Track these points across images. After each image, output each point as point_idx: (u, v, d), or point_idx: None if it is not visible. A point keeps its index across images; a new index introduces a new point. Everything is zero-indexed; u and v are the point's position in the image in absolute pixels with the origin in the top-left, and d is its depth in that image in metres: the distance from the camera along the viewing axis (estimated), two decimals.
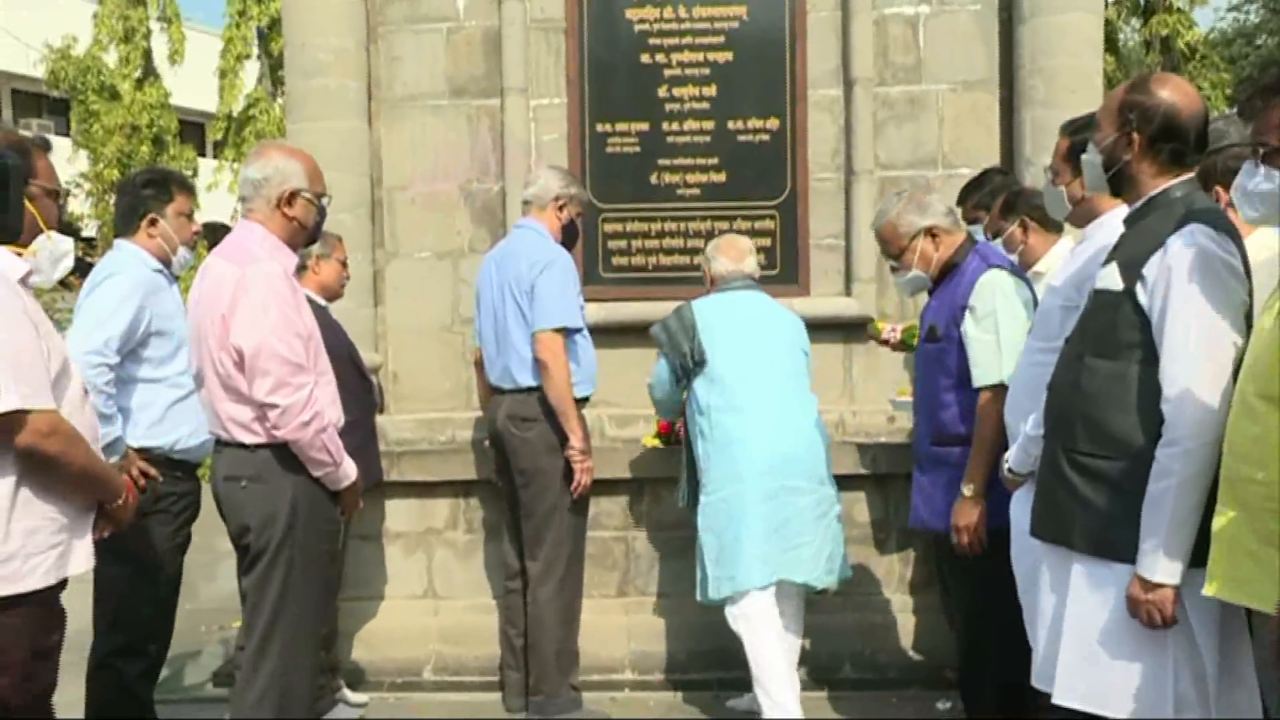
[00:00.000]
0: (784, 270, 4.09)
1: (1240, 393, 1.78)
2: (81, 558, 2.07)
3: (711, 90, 4.12)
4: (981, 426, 2.72)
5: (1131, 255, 2.00)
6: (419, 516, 3.99)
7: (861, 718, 3.50)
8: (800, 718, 3.09)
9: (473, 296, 3.62)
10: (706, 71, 4.12)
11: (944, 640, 3.46)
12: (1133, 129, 2.03)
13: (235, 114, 15.57)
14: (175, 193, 3.04)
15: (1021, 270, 2.98)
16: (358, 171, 4.07)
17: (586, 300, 3.54)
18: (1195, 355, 1.88)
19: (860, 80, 4.04)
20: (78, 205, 14.24)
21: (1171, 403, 1.88)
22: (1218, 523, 1.79)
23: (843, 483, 3.37)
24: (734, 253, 3.35)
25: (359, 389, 3.45)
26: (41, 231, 2.13)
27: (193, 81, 16.58)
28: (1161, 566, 1.88)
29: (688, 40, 4.12)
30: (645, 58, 4.14)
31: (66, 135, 16.43)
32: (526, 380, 3.33)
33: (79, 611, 2.92)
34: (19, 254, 2.05)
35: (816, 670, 3.68)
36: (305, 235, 2.65)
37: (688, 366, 3.20)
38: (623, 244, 4.17)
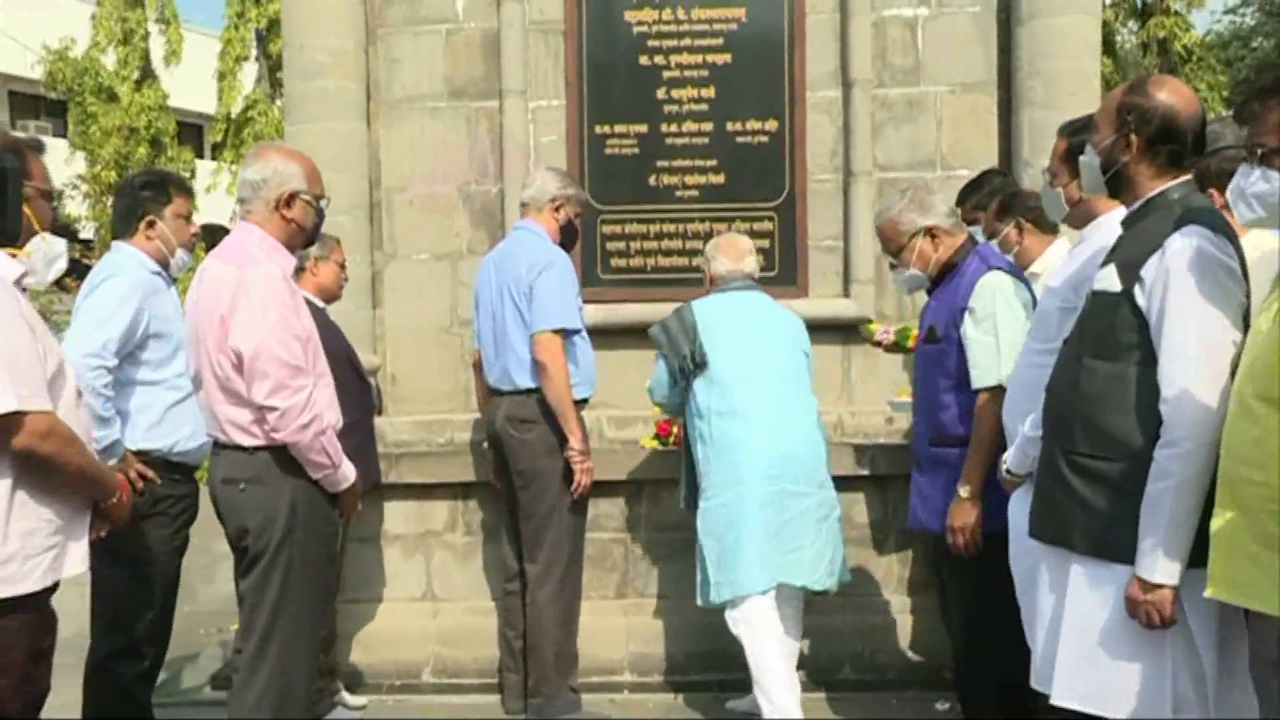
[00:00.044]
0: (782, 271, 4.09)
1: (1239, 394, 1.78)
2: (76, 560, 2.07)
3: (710, 92, 4.13)
4: (979, 428, 2.73)
5: (1129, 257, 2.00)
6: (418, 518, 3.99)
7: (861, 718, 3.50)
8: (801, 719, 3.09)
9: (471, 298, 3.62)
10: (705, 73, 4.12)
11: (943, 641, 3.46)
12: (1131, 131, 2.03)
13: (234, 116, 15.58)
14: (173, 194, 3.03)
15: (1021, 272, 2.98)
16: (356, 173, 4.07)
17: (585, 302, 3.54)
18: (1194, 356, 1.88)
19: (859, 82, 4.05)
20: (75, 207, 14.24)
21: (1170, 404, 1.89)
22: (1216, 524, 1.79)
23: (841, 484, 3.37)
24: (734, 252, 3.34)
25: (357, 391, 3.45)
26: (36, 233, 2.13)
27: (191, 83, 16.60)
28: (1160, 567, 1.88)
29: (686, 42, 4.13)
30: (644, 59, 4.14)
31: (64, 137, 16.44)
32: (525, 382, 3.33)
33: (76, 614, 2.94)
34: (14, 255, 2.05)
35: (816, 671, 3.68)
36: (304, 237, 2.65)
37: (687, 368, 3.18)
38: (621, 245, 4.17)
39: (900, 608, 3.90)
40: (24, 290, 2.05)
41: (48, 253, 2.17)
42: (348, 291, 3.69)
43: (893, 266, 3.08)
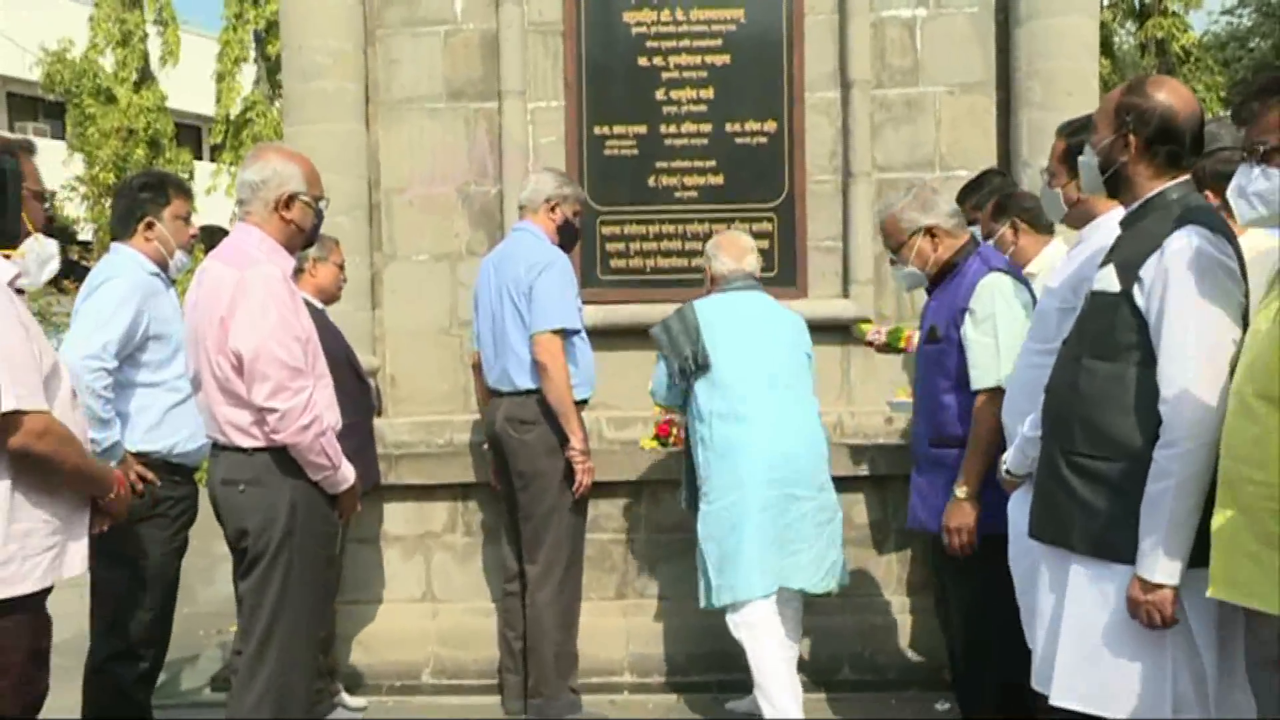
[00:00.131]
0: (782, 272, 4.09)
1: (1238, 393, 1.78)
2: (76, 560, 2.07)
3: (709, 93, 4.13)
4: (977, 429, 2.72)
5: (1128, 257, 2.00)
6: (417, 519, 3.99)
7: (860, 719, 3.50)
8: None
9: (470, 299, 3.62)
10: (704, 74, 4.13)
11: (942, 641, 3.46)
12: (1129, 131, 2.03)
13: (232, 117, 15.57)
14: (172, 196, 3.03)
15: (1021, 273, 2.98)
16: (355, 174, 4.07)
17: (584, 303, 3.54)
18: (1193, 356, 1.88)
19: (858, 83, 4.05)
20: (74, 209, 14.23)
21: (1169, 404, 1.89)
22: (1216, 523, 1.79)
23: (841, 484, 3.37)
24: (735, 250, 3.32)
25: (356, 392, 3.45)
26: (29, 234, 2.13)
27: (189, 85, 16.58)
28: (1161, 567, 1.88)
29: (685, 43, 4.13)
30: (643, 60, 4.14)
31: (62, 139, 16.42)
32: (525, 383, 3.33)
33: (75, 616, 2.93)
34: (8, 257, 2.05)
35: (816, 672, 3.68)
36: (303, 238, 2.65)
37: (688, 369, 3.16)
38: (621, 246, 4.17)
39: (900, 608, 3.90)
40: (21, 293, 2.05)
41: (41, 253, 2.17)
42: (347, 292, 3.69)
43: (892, 262, 3.08)
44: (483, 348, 3.49)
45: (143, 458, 2.85)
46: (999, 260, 2.91)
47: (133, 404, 2.86)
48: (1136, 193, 2.07)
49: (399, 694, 3.80)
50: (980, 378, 2.74)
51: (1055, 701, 2.04)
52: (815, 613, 3.53)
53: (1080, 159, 2.17)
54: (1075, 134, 2.41)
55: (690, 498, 3.34)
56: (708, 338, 3.15)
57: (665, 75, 4.13)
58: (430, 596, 3.99)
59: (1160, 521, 1.88)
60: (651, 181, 4.15)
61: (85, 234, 14.66)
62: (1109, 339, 2.00)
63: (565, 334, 3.30)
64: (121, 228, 3.01)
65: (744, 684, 3.26)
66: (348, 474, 2.59)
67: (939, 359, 2.87)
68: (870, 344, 3.61)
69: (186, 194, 3.11)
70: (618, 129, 4.14)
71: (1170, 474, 1.87)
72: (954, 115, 4.09)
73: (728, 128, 4.12)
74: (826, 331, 3.94)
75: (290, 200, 2.55)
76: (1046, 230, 3.13)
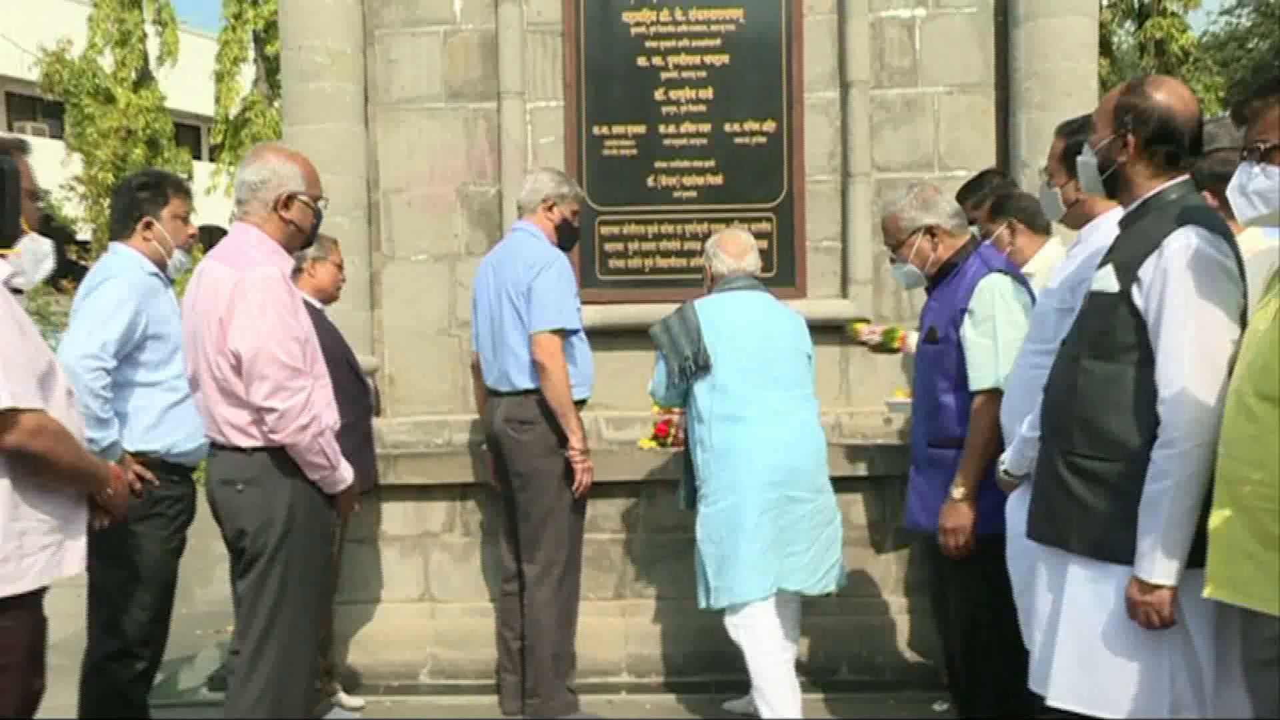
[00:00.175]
0: (781, 272, 4.09)
1: (1237, 393, 1.78)
2: (74, 559, 2.07)
3: (708, 93, 4.13)
4: (974, 430, 2.72)
5: (1127, 257, 2.00)
6: (415, 519, 3.99)
7: (858, 719, 3.50)
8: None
9: (469, 299, 3.62)
10: (703, 74, 4.13)
11: (940, 642, 3.46)
12: (1128, 131, 2.04)
13: (232, 117, 15.56)
14: (171, 195, 3.02)
15: (1021, 274, 2.98)
16: (354, 174, 4.07)
17: (583, 303, 3.54)
18: (1191, 357, 1.88)
19: (856, 83, 4.05)
20: (72, 209, 14.21)
21: (1168, 404, 1.89)
22: (1214, 522, 1.79)
23: (839, 485, 3.36)
24: (735, 249, 3.29)
25: (355, 392, 3.44)
26: (24, 233, 2.13)
27: (188, 85, 16.58)
28: (1159, 568, 1.88)
29: (684, 43, 4.13)
30: (642, 60, 4.14)
31: (60, 138, 16.41)
32: (524, 383, 3.33)
33: (73, 615, 2.93)
34: (4, 256, 2.05)
35: (814, 672, 3.68)
36: (302, 238, 2.65)
37: (688, 369, 3.13)
38: (619, 246, 4.17)
39: (898, 608, 3.90)
40: (18, 292, 2.04)
41: (36, 252, 2.17)
42: (346, 292, 3.69)
43: (892, 260, 3.08)
44: (481, 348, 3.49)
45: (141, 457, 2.85)
46: (999, 261, 2.91)
47: (131, 403, 2.86)
48: (1135, 193, 2.07)
49: (397, 694, 3.80)
50: (979, 378, 2.74)
51: (1053, 702, 2.04)
52: (813, 613, 3.53)
53: (1079, 159, 2.17)
54: (1074, 134, 2.41)
55: (689, 496, 3.33)
56: (709, 338, 3.14)
57: (664, 75, 4.14)
58: (428, 596, 3.99)
59: (1158, 522, 1.88)
60: (650, 181, 4.15)
61: (84, 234, 14.63)
62: (1107, 339, 2.00)
63: (564, 334, 3.30)
64: (120, 227, 3.01)
65: (742, 684, 3.26)
66: (346, 474, 2.59)
67: (938, 359, 2.87)
68: (864, 343, 3.59)
69: (185, 194, 3.11)
70: (617, 129, 4.14)
71: (1168, 474, 1.87)
72: (953, 115, 4.10)
73: (727, 128, 4.12)
74: (825, 332, 3.93)
75: (289, 200, 2.56)
76: (1043, 230, 3.13)
